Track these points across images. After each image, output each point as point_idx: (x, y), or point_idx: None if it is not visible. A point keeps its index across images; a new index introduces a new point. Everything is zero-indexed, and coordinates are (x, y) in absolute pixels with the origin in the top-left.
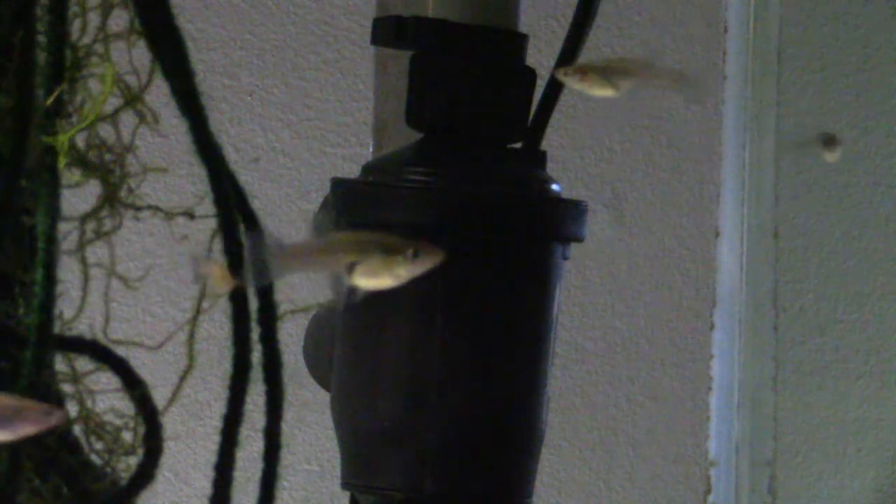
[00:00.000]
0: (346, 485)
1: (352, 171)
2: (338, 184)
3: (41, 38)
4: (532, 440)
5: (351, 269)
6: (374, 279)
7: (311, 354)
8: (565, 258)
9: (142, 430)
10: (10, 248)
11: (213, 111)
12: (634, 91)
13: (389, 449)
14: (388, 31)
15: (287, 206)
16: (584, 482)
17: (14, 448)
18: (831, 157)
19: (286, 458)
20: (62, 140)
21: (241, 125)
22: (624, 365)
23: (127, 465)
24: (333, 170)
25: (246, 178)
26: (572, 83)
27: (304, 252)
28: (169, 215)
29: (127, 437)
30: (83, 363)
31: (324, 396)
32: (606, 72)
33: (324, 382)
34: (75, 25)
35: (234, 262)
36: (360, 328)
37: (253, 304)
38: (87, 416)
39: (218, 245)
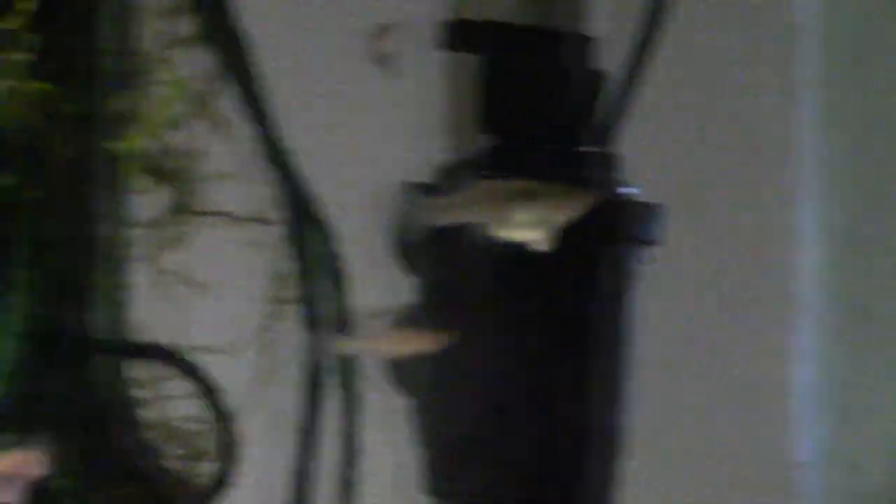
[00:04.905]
0: (427, 491)
1: (423, 175)
2: (410, 188)
3: (108, 45)
4: (614, 447)
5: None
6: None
7: (390, 361)
8: (641, 261)
9: (218, 436)
10: (82, 255)
11: (282, 116)
12: (709, 93)
13: (472, 457)
14: (457, 35)
15: (358, 211)
16: (666, 487)
17: (92, 454)
18: None
19: (363, 463)
20: (130, 146)
21: (311, 130)
22: (705, 369)
23: (203, 472)
24: (405, 174)
25: (317, 184)
26: None
27: (454, 204)
28: (239, 221)
29: (203, 443)
30: (159, 369)
31: (401, 403)
32: None
33: (402, 389)
34: (143, 32)
35: (304, 266)
36: None
37: (327, 309)
38: (163, 422)
39: (287, 249)
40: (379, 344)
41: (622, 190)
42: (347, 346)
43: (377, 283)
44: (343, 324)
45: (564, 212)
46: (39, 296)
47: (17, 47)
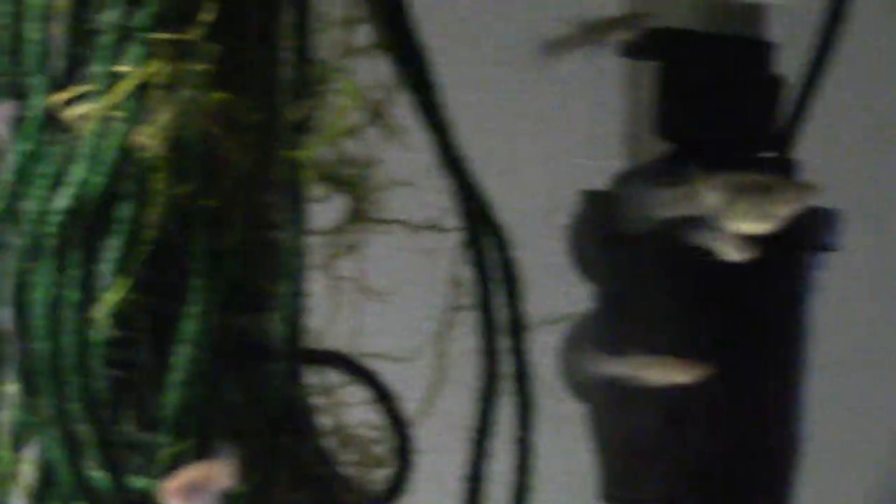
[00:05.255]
0: (604, 497)
1: (602, 182)
2: (588, 195)
3: (287, 55)
4: (793, 454)
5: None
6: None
7: (564, 367)
8: (820, 268)
9: (393, 442)
10: (258, 262)
11: (459, 124)
12: (888, 96)
13: (650, 462)
14: (636, 42)
15: (535, 219)
16: (847, 496)
17: (269, 461)
18: None
19: (539, 469)
20: (307, 155)
21: (487, 138)
22: (888, 375)
23: (378, 478)
24: (583, 182)
25: (492, 190)
26: None
27: (681, 196)
28: (415, 228)
29: (378, 449)
30: (334, 376)
31: (576, 408)
32: None
33: (577, 394)
34: (319, 41)
35: (479, 273)
36: None
37: (502, 315)
38: (339, 428)
39: (462, 256)
40: (639, 371)
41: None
42: (607, 369)
43: (553, 290)
44: (518, 330)
45: (788, 207)
46: (216, 303)
47: (197, 58)
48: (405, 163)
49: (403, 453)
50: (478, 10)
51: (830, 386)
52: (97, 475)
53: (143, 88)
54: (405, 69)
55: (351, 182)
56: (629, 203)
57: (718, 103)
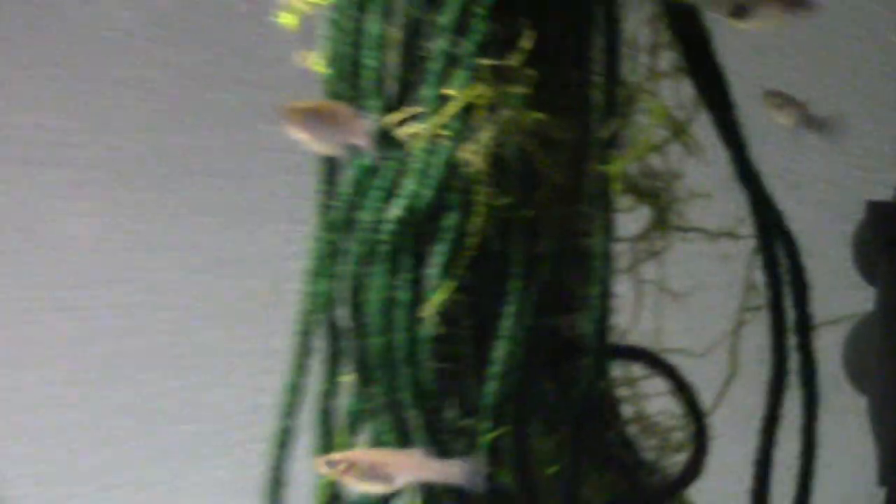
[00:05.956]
0: (884, 482)
1: (887, 194)
2: (873, 207)
3: (597, 78)
4: None
5: None
6: None
7: (849, 363)
8: None
9: (690, 430)
10: (570, 267)
11: (754, 140)
12: None
13: None
14: None
15: (824, 229)
16: None
17: (578, 447)
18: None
19: (822, 456)
20: (616, 169)
21: (782, 153)
22: None
23: (675, 462)
24: (870, 193)
25: (784, 202)
26: None
27: None
28: (713, 236)
29: (677, 436)
30: (637, 370)
31: (859, 401)
32: None
33: (861, 388)
34: (627, 66)
35: (770, 276)
36: None
37: (791, 316)
38: (640, 417)
39: (755, 261)
40: None
41: None
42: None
43: (838, 293)
44: (805, 329)
45: None
46: (532, 304)
47: (516, 82)
48: (704, 176)
49: (700, 440)
50: (781, 39)
51: None
52: None
53: (467, 110)
54: (706, 91)
55: (654, 194)
56: (870, 225)
57: None
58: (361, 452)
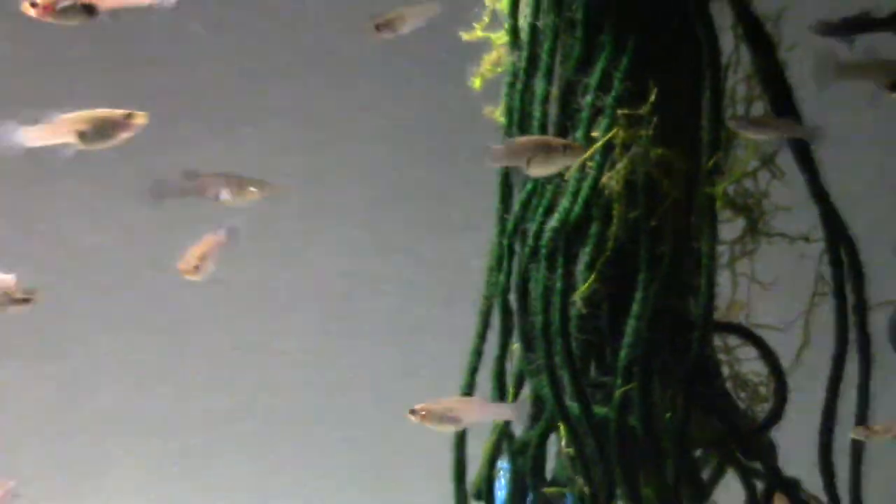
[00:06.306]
0: None
1: None
2: None
3: (705, 121)
4: None
5: None
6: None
7: (892, 336)
8: None
9: (773, 385)
10: (685, 263)
11: (825, 165)
12: None
13: None
14: None
15: (876, 233)
16: None
17: (688, 399)
18: None
19: (876, 410)
20: (718, 190)
21: (839, 173)
22: None
23: (762, 409)
24: None
25: (847, 212)
26: None
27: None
28: (791, 240)
29: (763, 390)
30: (733, 340)
31: None
32: None
33: None
34: (728, 110)
35: (836, 272)
36: None
37: (851, 300)
38: (735, 375)
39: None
40: None
41: None
42: None
43: (886, 283)
44: (862, 310)
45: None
46: (655, 291)
47: (644, 125)
48: (786, 194)
49: (780, 393)
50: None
51: None
52: (573, 405)
53: (608, 147)
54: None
55: (748, 208)
56: None
57: None
58: (436, 401)
